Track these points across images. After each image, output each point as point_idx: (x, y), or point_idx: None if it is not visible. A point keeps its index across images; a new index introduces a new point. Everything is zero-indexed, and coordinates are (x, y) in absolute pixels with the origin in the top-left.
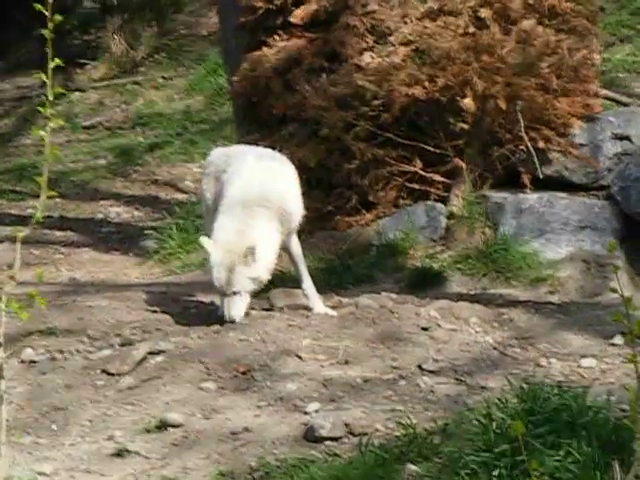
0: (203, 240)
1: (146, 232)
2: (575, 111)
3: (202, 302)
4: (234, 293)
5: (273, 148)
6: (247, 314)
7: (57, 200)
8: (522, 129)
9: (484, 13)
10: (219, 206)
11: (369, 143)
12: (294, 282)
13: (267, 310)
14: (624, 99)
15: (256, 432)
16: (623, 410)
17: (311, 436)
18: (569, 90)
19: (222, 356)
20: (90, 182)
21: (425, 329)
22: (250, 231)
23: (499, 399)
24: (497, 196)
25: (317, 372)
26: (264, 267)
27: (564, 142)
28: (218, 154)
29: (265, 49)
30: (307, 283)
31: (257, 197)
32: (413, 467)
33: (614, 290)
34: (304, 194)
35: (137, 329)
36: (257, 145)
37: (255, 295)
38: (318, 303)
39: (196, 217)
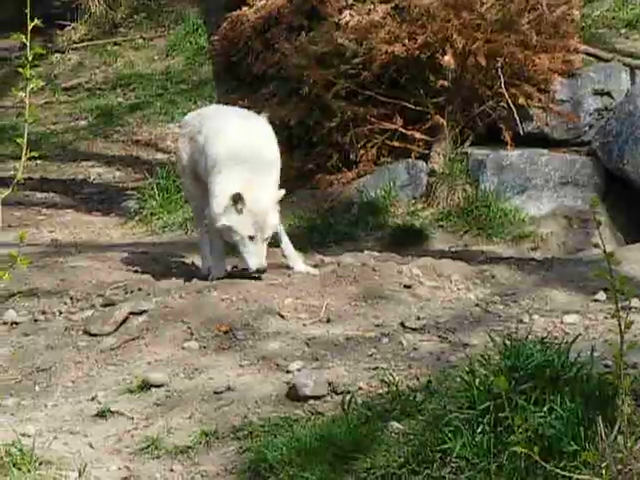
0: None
1: (127, 192)
2: (555, 67)
3: (184, 262)
4: (265, 239)
5: (254, 107)
6: (229, 274)
7: (38, 162)
8: (502, 85)
9: None
10: (216, 163)
11: (350, 101)
12: (274, 242)
13: None
14: (604, 55)
15: (239, 391)
16: (606, 366)
17: (294, 395)
18: (549, 46)
19: (204, 315)
20: (71, 143)
21: (407, 287)
22: (267, 181)
23: (482, 356)
24: (478, 153)
25: (299, 331)
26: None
27: (545, 98)
28: (194, 114)
29: (245, 8)
30: (285, 242)
31: (252, 154)
32: (397, 425)
33: (596, 245)
34: (285, 152)
35: (119, 289)
36: (237, 105)
37: (235, 255)
38: (298, 262)
39: (177, 177)
